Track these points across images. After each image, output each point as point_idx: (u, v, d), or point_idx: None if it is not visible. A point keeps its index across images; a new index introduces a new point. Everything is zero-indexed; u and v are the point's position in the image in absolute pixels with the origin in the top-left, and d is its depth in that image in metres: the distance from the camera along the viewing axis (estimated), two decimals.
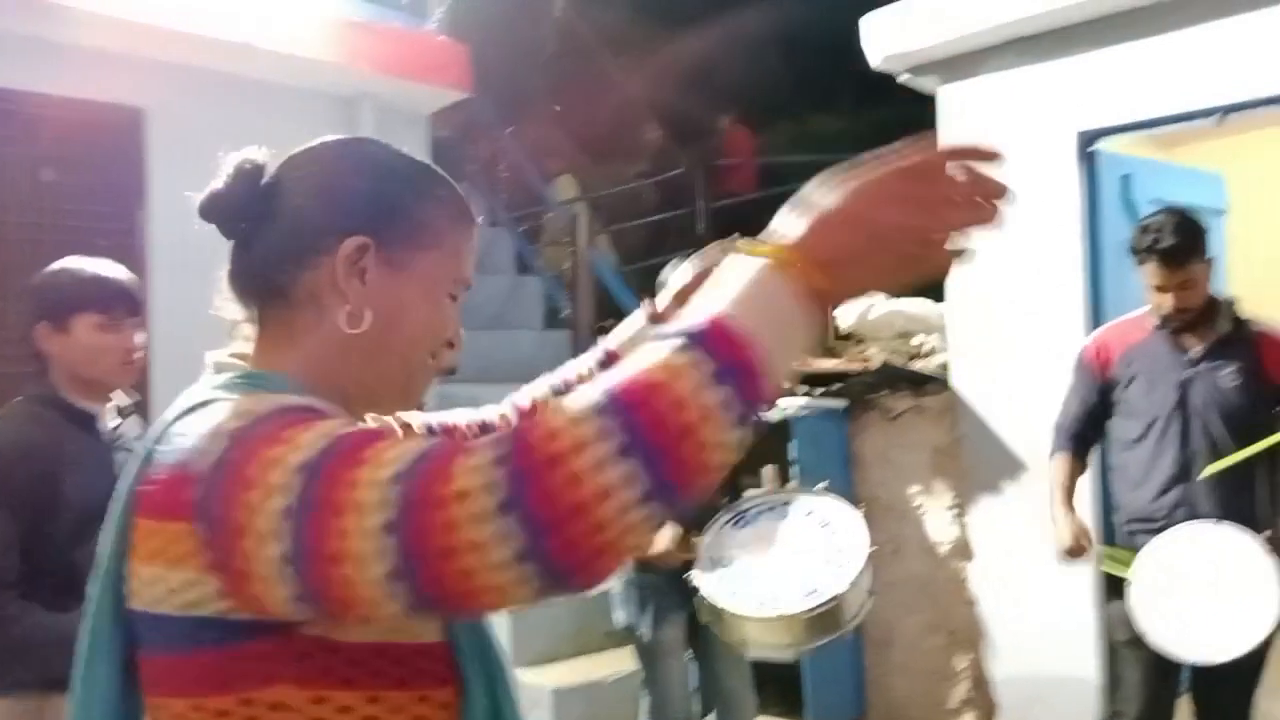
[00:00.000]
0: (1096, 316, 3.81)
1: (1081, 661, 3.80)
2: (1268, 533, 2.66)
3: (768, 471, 3.74)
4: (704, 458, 0.69)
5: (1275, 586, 2.59)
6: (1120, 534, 2.93)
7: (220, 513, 0.77)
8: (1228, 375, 2.83)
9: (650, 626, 3.13)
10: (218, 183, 0.98)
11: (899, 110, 4.84)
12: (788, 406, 4.19)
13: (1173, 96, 3.67)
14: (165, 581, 0.82)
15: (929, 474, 4.30)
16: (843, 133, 9.65)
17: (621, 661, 3.95)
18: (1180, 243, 2.77)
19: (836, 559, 2.85)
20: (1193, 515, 2.72)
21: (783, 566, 2.87)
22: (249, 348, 0.99)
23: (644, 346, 0.72)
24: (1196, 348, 2.85)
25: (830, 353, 5.07)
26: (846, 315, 5.00)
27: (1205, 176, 4.17)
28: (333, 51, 4.42)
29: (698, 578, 2.91)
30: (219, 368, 0.96)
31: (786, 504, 3.14)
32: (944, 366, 4.33)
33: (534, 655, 4.31)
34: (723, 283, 0.75)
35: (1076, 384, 3.02)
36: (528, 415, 1.35)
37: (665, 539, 2.99)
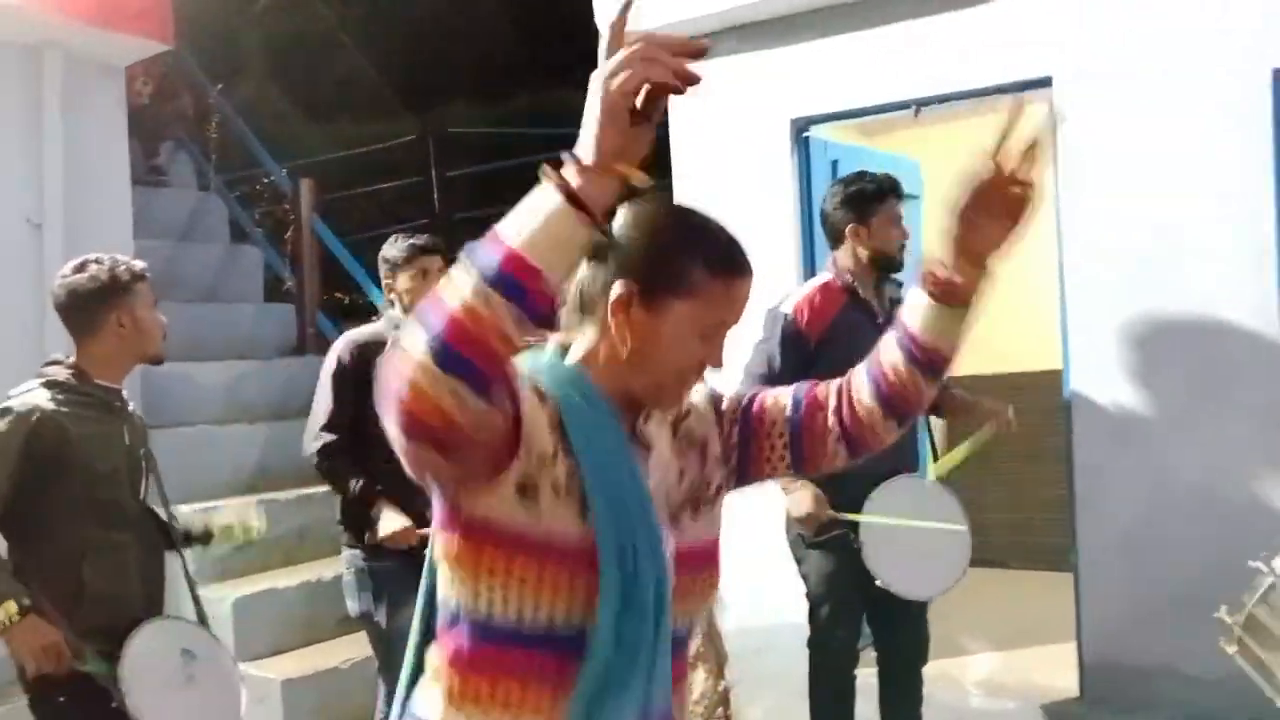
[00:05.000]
0: None
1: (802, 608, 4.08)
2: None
3: None
4: (482, 334, 0.98)
5: (966, 528, 2.91)
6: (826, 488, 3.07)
7: None
8: None
9: (386, 613, 3.04)
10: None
11: None
12: None
13: (875, 89, 3.97)
14: None
15: None
16: (581, 108, 9.72)
17: (354, 649, 3.82)
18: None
19: None
20: (893, 470, 2.96)
21: None
22: (581, 342, 1.25)
23: (453, 277, 1.00)
24: (880, 313, 3.08)
25: None
26: None
27: (905, 163, 4.55)
28: None
29: None
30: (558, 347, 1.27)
31: None
32: None
33: (261, 648, 4.09)
34: (518, 210, 1.02)
35: (784, 346, 3.03)
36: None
37: (396, 523, 2.91)
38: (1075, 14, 3.57)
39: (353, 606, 3.11)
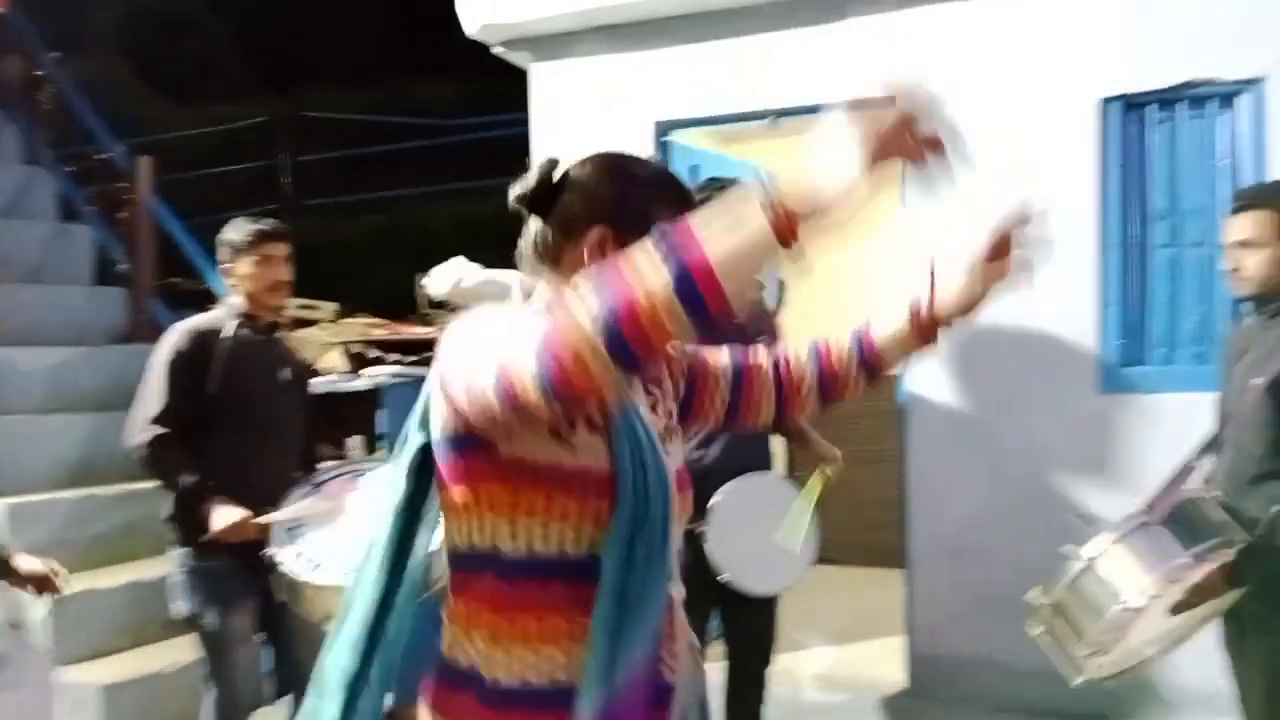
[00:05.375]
0: None
1: None
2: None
3: (353, 442, 3.65)
4: (655, 335, 1.03)
5: (812, 524, 3.00)
6: None
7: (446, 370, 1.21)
8: (764, 341, 3.20)
9: (217, 615, 2.91)
10: (529, 179, 1.34)
11: (503, 81, 4.90)
12: (377, 375, 4.08)
13: (734, 97, 4.05)
14: (439, 419, 1.26)
15: None
16: (443, 98, 9.55)
17: (180, 653, 3.65)
18: None
19: None
20: (741, 468, 3.02)
21: (368, 534, 2.81)
22: (545, 288, 1.34)
23: (642, 260, 1.04)
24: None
25: (423, 320, 5.03)
26: (439, 284, 4.98)
27: (760, 172, 4.66)
28: None
29: (276, 554, 2.76)
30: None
31: (367, 473, 3.08)
32: None
33: (81, 651, 3.85)
34: (724, 217, 1.06)
35: None
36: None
37: (232, 514, 2.79)
38: (918, 36, 3.73)
39: (181, 608, 2.97)
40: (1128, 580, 2.34)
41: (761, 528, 2.94)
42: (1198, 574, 2.34)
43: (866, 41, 3.82)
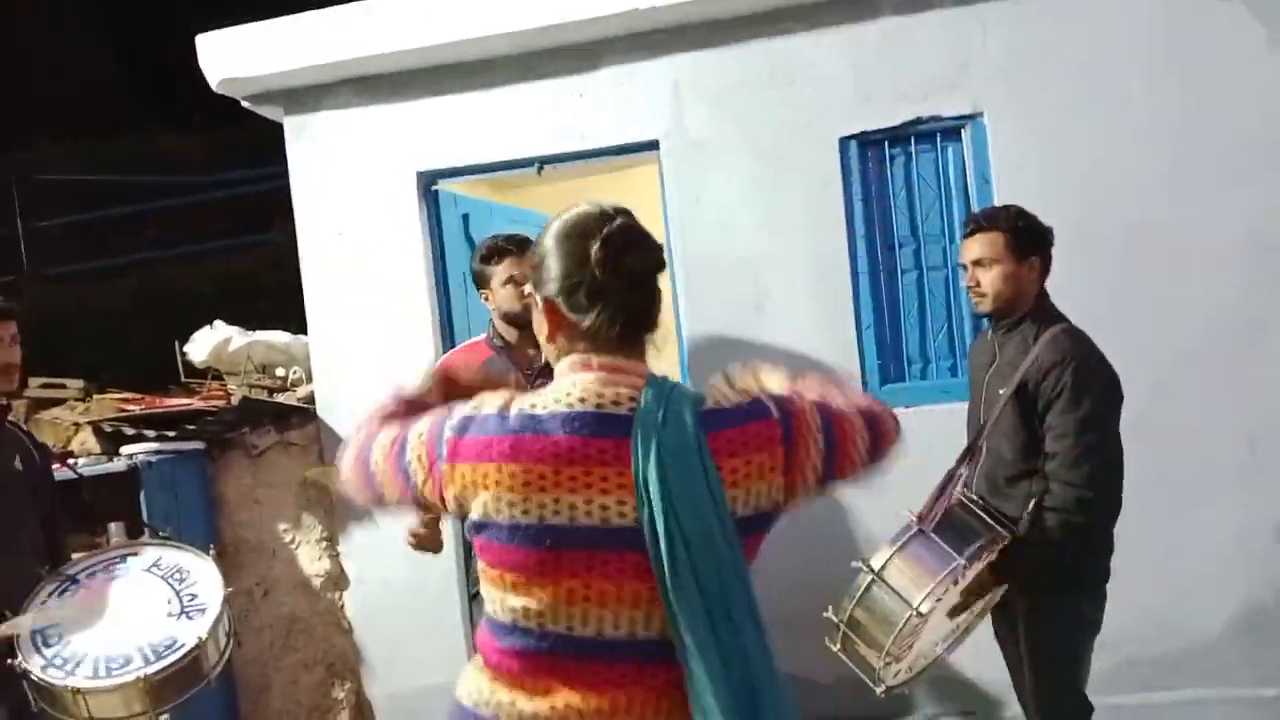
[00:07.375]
0: (447, 341, 4.07)
1: (457, 668, 3.99)
2: None
3: (115, 528, 3.34)
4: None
5: None
6: None
7: (796, 440, 1.49)
8: None
9: None
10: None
11: (261, 131, 4.68)
12: (135, 454, 3.77)
13: (499, 145, 4.06)
14: (751, 495, 1.50)
15: (298, 509, 4.20)
16: (196, 153, 9.04)
17: None
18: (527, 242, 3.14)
19: (190, 607, 2.66)
20: None
21: (127, 626, 2.59)
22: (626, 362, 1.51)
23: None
24: (527, 368, 3.12)
25: (186, 390, 4.71)
26: (201, 349, 4.69)
27: (535, 217, 4.68)
28: None
29: (23, 661, 2.49)
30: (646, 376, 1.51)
31: (125, 559, 2.85)
32: (310, 398, 4.26)
33: None
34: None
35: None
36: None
37: None
38: (674, 85, 3.87)
39: None
40: (913, 588, 2.47)
41: None
42: (972, 574, 2.51)
43: (623, 88, 3.93)
